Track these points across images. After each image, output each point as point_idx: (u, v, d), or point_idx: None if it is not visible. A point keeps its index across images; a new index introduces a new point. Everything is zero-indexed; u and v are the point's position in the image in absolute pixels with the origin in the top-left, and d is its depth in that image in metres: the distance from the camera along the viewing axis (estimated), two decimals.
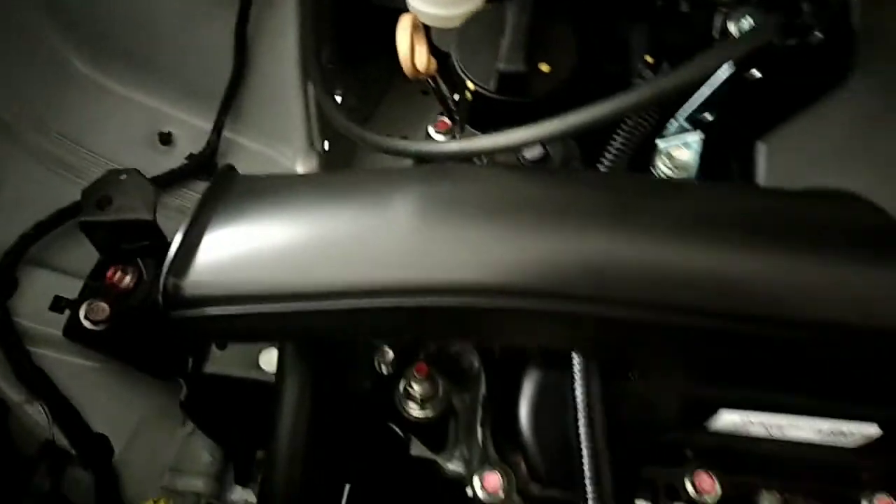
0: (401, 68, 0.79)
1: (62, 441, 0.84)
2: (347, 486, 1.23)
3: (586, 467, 0.55)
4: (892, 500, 0.65)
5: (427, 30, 0.80)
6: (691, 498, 0.65)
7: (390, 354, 0.78)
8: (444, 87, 0.81)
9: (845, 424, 0.58)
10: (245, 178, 0.59)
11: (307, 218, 0.52)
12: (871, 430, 0.58)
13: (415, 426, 0.79)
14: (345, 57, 1.14)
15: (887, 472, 0.64)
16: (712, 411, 0.59)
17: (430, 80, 0.83)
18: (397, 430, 0.86)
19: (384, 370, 0.78)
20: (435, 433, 0.80)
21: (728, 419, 0.60)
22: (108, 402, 0.88)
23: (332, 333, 0.53)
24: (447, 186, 0.50)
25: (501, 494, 0.67)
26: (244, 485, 0.93)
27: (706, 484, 0.65)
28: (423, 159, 0.56)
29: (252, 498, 0.93)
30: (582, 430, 0.55)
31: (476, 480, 0.68)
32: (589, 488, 0.55)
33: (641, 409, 0.58)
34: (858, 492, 0.65)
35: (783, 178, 0.53)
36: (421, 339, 0.71)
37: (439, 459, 0.80)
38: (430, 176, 0.51)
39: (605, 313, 0.46)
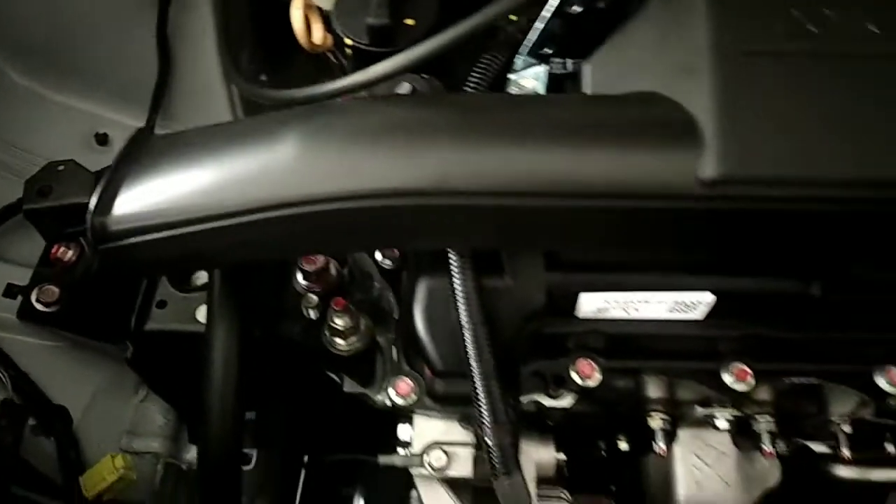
0: (326, 64, 0.90)
1: None
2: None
3: (469, 349, 0.65)
4: (746, 367, 0.76)
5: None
6: (576, 384, 0.76)
7: (315, 299, 0.88)
8: (342, 59, 0.91)
9: (684, 295, 0.69)
10: (157, 135, 0.68)
11: (210, 155, 0.62)
12: (707, 297, 0.69)
13: (344, 362, 0.88)
14: (268, 56, 1.24)
15: (740, 340, 0.74)
16: (574, 297, 0.69)
17: (330, 55, 0.94)
18: (332, 374, 0.96)
19: (311, 314, 0.88)
20: (363, 368, 0.89)
21: (589, 303, 0.70)
22: (65, 378, 0.96)
23: (238, 250, 0.62)
24: (323, 117, 0.60)
25: (413, 397, 0.77)
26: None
27: (587, 370, 0.76)
28: (310, 102, 0.66)
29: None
30: (462, 316, 0.65)
31: (390, 389, 0.78)
32: (474, 367, 0.65)
33: (515, 303, 0.68)
34: (718, 363, 0.76)
35: (603, 90, 0.64)
36: (320, 252, 0.80)
37: (369, 393, 0.89)
38: (309, 111, 0.61)
39: (458, 202, 0.56)
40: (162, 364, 0.91)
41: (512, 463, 0.66)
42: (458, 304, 0.65)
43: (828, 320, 0.71)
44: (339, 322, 0.84)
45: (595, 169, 0.57)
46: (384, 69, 0.59)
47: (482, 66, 0.69)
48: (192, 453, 1.01)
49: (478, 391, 0.66)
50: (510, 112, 0.60)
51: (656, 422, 0.83)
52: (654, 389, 0.84)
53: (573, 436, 0.95)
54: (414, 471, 0.77)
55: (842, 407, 0.86)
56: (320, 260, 0.87)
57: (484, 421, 0.66)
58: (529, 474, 0.80)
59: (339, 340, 0.86)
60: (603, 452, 0.98)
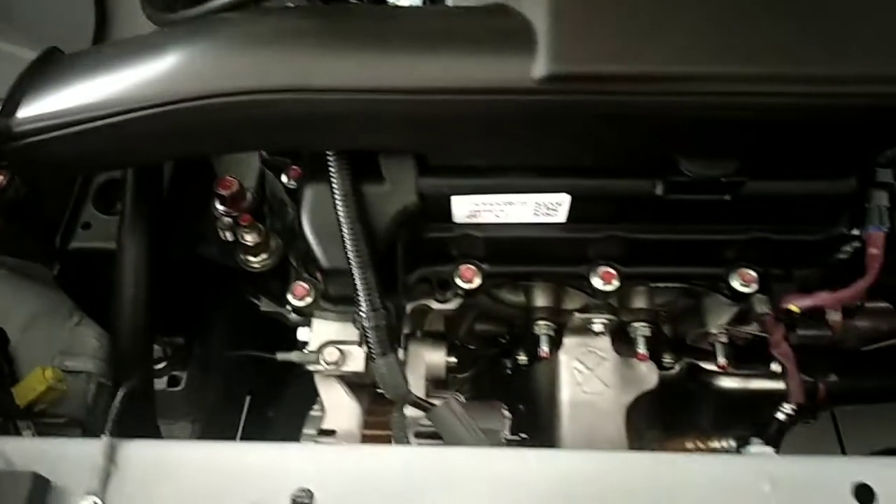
0: None
1: None
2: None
3: (347, 242, 0.72)
4: (611, 269, 0.84)
5: None
6: (460, 287, 0.83)
7: (229, 221, 0.94)
8: None
9: (544, 197, 0.76)
10: (62, 52, 0.75)
11: (105, 64, 0.69)
12: (565, 199, 0.76)
13: (258, 280, 0.95)
14: None
15: (603, 243, 0.81)
16: (446, 201, 0.76)
17: None
18: (251, 297, 1.02)
19: (228, 236, 0.94)
20: (276, 286, 0.95)
21: (460, 206, 0.77)
22: (2, 300, 1.02)
23: (128, 148, 0.69)
24: (202, 28, 0.67)
25: (309, 299, 0.84)
26: None
27: (468, 274, 0.83)
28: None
29: None
30: (340, 213, 0.72)
31: (289, 294, 0.85)
32: (351, 258, 0.72)
33: (390, 205, 0.75)
34: (588, 267, 0.83)
35: (463, 2, 0.72)
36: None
37: (283, 311, 0.96)
38: (191, 24, 0.69)
39: (320, 97, 0.63)
40: (88, 283, 0.97)
41: (386, 345, 0.73)
42: (336, 202, 0.72)
43: (676, 221, 0.78)
44: (249, 238, 0.91)
45: (442, 69, 0.64)
46: None
47: None
48: None
49: (355, 281, 0.73)
50: (373, 21, 0.67)
51: (541, 328, 0.91)
52: (538, 298, 0.92)
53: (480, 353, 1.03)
54: (311, 367, 0.84)
55: (718, 318, 0.94)
56: (234, 184, 0.93)
57: (361, 307, 0.73)
58: (419, 373, 0.88)
59: (250, 258, 0.93)
60: (508, 371, 1.06)
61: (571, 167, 0.75)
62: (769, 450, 0.70)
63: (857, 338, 1.16)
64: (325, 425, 0.83)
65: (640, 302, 0.91)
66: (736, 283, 0.82)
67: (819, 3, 0.64)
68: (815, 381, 0.95)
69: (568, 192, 0.75)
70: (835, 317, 1.20)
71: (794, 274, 0.81)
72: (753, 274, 0.81)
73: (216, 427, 1.24)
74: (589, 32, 0.63)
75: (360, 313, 0.73)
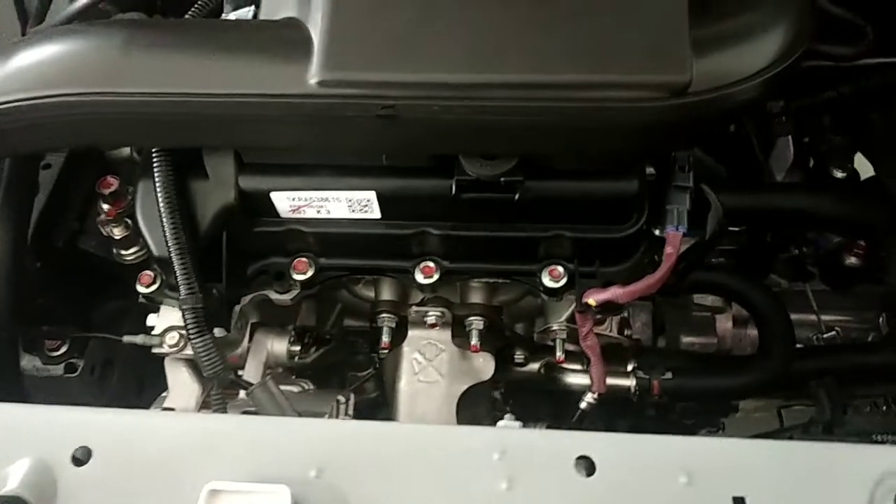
0: None
1: None
2: None
3: (167, 231, 0.79)
4: (432, 264, 0.90)
5: None
6: (294, 280, 0.90)
7: (106, 218, 1.02)
8: None
9: (355, 194, 0.82)
10: None
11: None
12: (371, 195, 0.82)
13: (134, 272, 1.03)
14: None
15: (417, 238, 0.87)
16: (267, 197, 0.83)
17: None
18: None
19: (103, 231, 1.02)
20: None
21: (281, 202, 0.84)
22: None
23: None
24: (37, 37, 0.76)
25: (154, 286, 0.91)
26: (30, 352, 1.16)
27: (301, 266, 0.90)
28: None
29: (38, 363, 1.16)
30: (160, 203, 0.79)
31: (137, 283, 0.92)
32: (170, 245, 0.79)
33: (211, 199, 0.82)
34: (412, 262, 0.90)
35: (267, 16, 0.80)
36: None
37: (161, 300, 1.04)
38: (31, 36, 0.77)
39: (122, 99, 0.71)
40: None
41: (203, 326, 0.80)
42: (157, 195, 0.80)
43: (483, 220, 0.84)
44: (116, 231, 0.99)
45: (229, 76, 0.72)
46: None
47: (196, 7, 0.85)
48: (24, 360, 1.16)
49: (174, 267, 0.80)
50: (178, 32, 0.75)
51: (383, 321, 0.97)
52: (383, 292, 0.99)
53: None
54: (155, 351, 0.91)
55: (557, 315, 1.00)
56: (115, 183, 1.02)
57: (180, 291, 0.80)
58: (260, 359, 0.95)
59: (122, 251, 1.00)
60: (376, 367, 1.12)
61: (375, 166, 0.81)
62: (516, 424, 0.75)
63: (753, 346, 1.22)
64: (166, 404, 0.90)
65: (475, 297, 0.97)
66: (546, 279, 0.88)
67: (569, 15, 0.70)
68: (649, 378, 0.99)
69: (374, 190, 0.82)
70: (725, 324, 1.26)
71: (600, 272, 0.87)
72: (561, 270, 0.87)
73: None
74: (359, 44, 0.70)
75: (178, 296, 0.80)
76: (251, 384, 0.83)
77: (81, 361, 1.20)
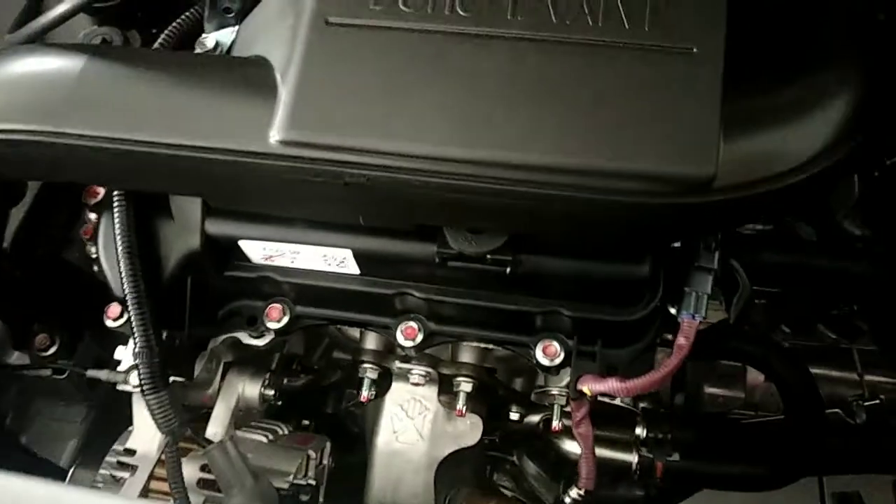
0: None
1: None
2: None
3: (124, 277, 0.73)
4: (415, 326, 0.81)
5: None
6: (265, 325, 0.83)
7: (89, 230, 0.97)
8: None
9: (329, 250, 0.74)
10: None
11: None
12: (347, 253, 0.74)
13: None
14: None
15: (398, 298, 0.79)
16: (235, 244, 0.76)
17: None
18: None
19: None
20: None
21: (252, 250, 0.76)
22: None
23: None
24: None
25: (121, 320, 0.85)
26: (20, 349, 1.13)
27: (275, 314, 0.83)
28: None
29: (26, 360, 1.14)
30: (119, 247, 0.73)
31: (105, 316, 0.86)
32: (128, 292, 0.73)
33: (175, 243, 0.75)
34: (395, 320, 0.81)
35: (240, 52, 0.71)
36: None
37: None
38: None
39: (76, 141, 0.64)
40: None
41: (157, 381, 0.74)
42: (116, 237, 0.73)
43: (469, 286, 0.75)
44: (93, 250, 0.93)
45: (183, 125, 0.63)
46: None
47: (175, 24, 0.76)
48: (13, 357, 1.14)
49: (131, 317, 0.74)
50: (136, 68, 0.67)
51: (365, 371, 0.90)
52: (367, 340, 0.91)
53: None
54: (120, 388, 0.86)
55: (559, 379, 0.90)
56: (100, 194, 0.96)
57: (136, 343, 0.74)
58: (229, 404, 0.89)
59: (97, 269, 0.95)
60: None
61: (350, 225, 0.73)
62: None
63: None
64: (129, 444, 0.85)
65: (466, 356, 0.89)
66: (540, 355, 0.78)
67: (573, 84, 0.59)
68: (653, 457, 0.89)
69: (349, 248, 0.74)
70: (755, 376, 1.15)
71: (602, 353, 0.76)
72: (557, 348, 0.77)
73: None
74: (332, 102, 0.61)
75: (134, 348, 0.74)
76: (210, 442, 0.78)
77: (70, 364, 1.18)
